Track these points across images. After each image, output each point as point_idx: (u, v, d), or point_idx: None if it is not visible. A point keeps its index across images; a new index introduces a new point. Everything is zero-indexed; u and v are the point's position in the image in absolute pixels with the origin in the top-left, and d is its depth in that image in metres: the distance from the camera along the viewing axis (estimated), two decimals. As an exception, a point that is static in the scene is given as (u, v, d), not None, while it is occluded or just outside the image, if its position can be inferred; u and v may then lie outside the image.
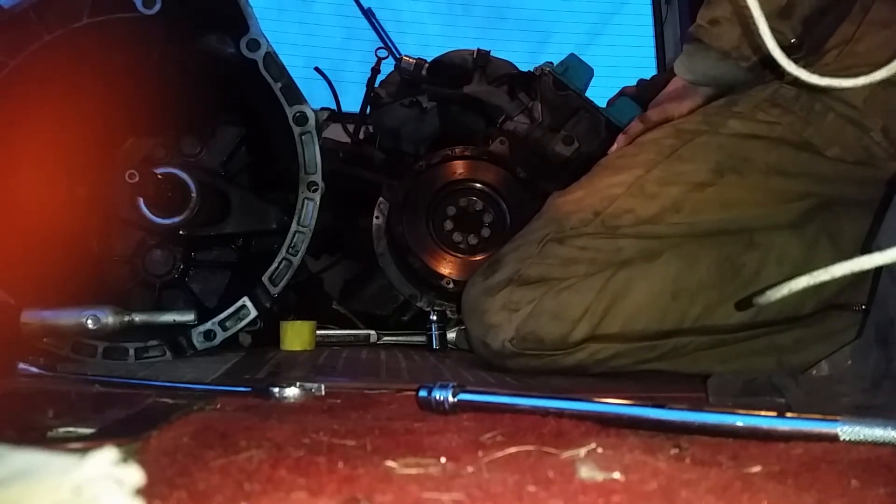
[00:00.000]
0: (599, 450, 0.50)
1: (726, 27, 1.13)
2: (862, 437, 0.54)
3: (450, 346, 1.58)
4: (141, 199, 1.36)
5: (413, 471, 0.46)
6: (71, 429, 0.58)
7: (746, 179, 1.15)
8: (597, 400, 0.63)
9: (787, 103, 1.15)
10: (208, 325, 1.28)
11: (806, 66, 0.83)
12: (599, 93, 2.05)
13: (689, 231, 1.15)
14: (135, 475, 0.36)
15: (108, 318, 1.19)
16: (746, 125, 1.16)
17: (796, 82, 1.04)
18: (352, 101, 2.33)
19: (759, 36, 0.81)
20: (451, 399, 0.67)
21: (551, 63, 2.00)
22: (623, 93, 2.06)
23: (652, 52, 3.02)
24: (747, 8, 0.83)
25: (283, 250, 1.32)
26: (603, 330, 1.13)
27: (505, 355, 1.14)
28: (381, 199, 1.87)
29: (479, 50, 2.06)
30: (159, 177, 1.32)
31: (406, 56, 2.10)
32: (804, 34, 1.10)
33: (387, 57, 2.29)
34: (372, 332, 1.67)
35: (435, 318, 1.58)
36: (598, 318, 1.12)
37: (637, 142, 1.23)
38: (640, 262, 1.14)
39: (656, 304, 1.14)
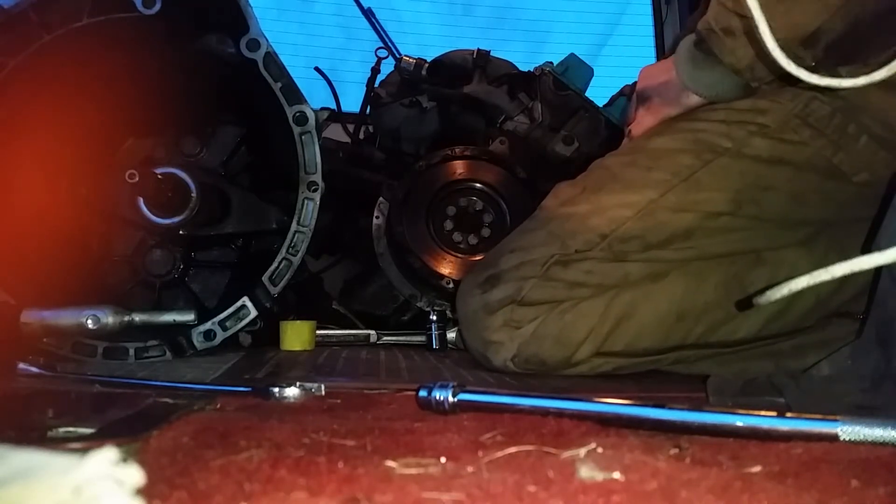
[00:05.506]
0: (599, 450, 0.50)
1: (741, 43, 1.02)
2: (862, 437, 0.54)
3: (450, 346, 1.58)
4: (141, 199, 1.36)
5: (413, 471, 0.46)
6: (71, 429, 0.58)
7: (764, 210, 1.11)
8: (597, 400, 0.63)
9: (819, 123, 1.07)
10: (208, 325, 1.28)
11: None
12: (600, 93, 2.05)
13: (698, 255, 1.13)
14: (135, 475, 0.36)
15: (108, 318, 1.19)
16: (773, 146, 1.09)
17: (828, 92, 0.98)
18: (352, 101, 2.33)
19: (762, 40, 0.80)
20: (450, 399, 0.67)
21: (551, 63, 2.00)
22: (623, 93, 2.06)
23: (652, 52, 3.02)
24: (752, 19, 0.79)
25: (283, 250, 1.32)
26: (606, 349, 1.12)
27: (506, 372, 1.14)
28: (381, 199, 1.87)
29: (479, 50, 2.06)
30: (159, 177, 1.32)
31: (406, 56, 2.10)
32: (825, 58, 1.01)
33: (387, 57, 2.29)
34: (372, 332, 1.67)
35: (435, 318, 1.57)
36: (601, 340, 1.11)
37: (651, 152, 1.15)
38: (646, 282, 1.13)
39: (661, 325, 1.12)
